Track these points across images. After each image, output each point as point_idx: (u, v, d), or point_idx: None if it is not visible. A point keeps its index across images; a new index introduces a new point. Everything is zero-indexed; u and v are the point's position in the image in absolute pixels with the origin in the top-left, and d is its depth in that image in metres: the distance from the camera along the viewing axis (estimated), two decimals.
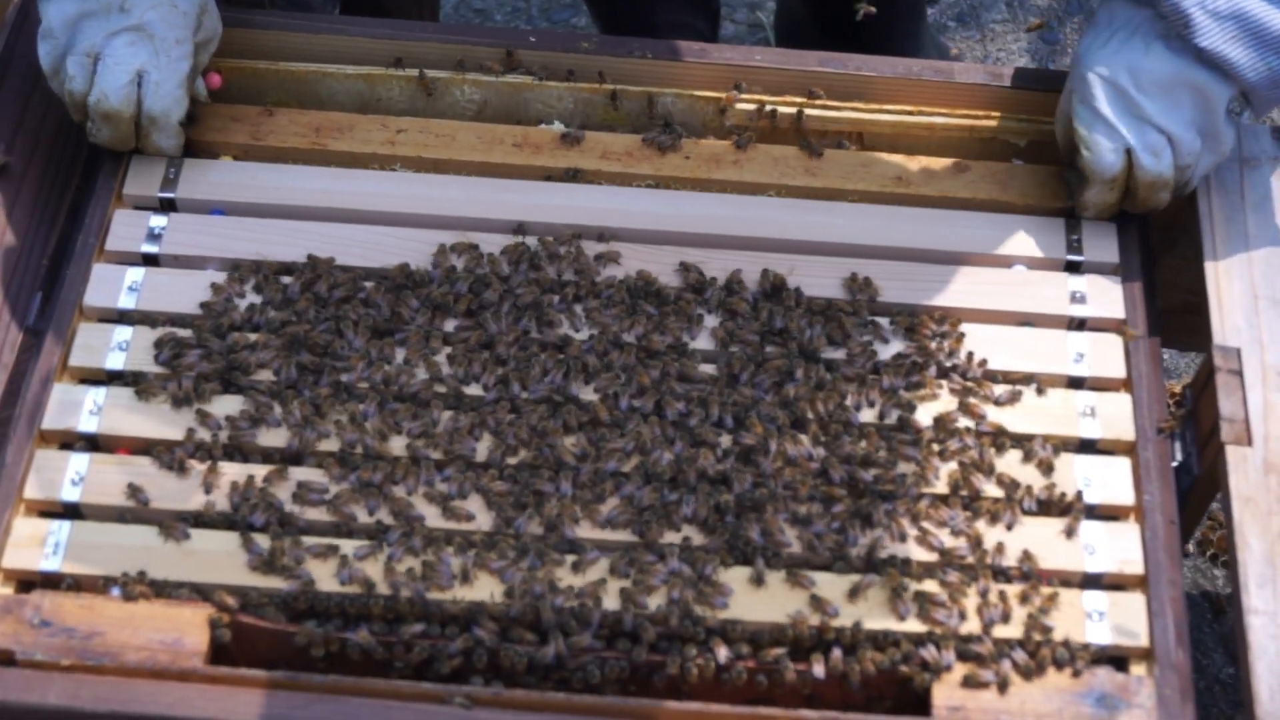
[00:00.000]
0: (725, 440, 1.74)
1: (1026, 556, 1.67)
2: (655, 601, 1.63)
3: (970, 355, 1.80)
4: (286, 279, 1.84)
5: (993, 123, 1.99)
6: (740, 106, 1.99)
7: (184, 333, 1.80)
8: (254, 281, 1.84)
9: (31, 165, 1.93)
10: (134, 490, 1.69)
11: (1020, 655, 1.61)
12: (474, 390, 1.77)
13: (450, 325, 1.81)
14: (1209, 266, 1.86)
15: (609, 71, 2.01)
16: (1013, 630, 1.63)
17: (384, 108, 2.03)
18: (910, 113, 1.99)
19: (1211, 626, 2.20)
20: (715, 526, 1.68)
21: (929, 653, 1.61)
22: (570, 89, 2.01)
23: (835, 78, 2.00)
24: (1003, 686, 1.59)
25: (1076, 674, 1.61)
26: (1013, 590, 1.65)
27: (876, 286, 1.85)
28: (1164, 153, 1.82)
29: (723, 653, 1.60)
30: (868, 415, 1.77)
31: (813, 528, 1.68)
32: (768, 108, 1.99)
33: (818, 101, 1.99)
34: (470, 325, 1.82)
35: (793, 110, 1.98)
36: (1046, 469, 1.73)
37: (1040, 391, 1.79)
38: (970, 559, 1.68)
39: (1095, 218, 1.90)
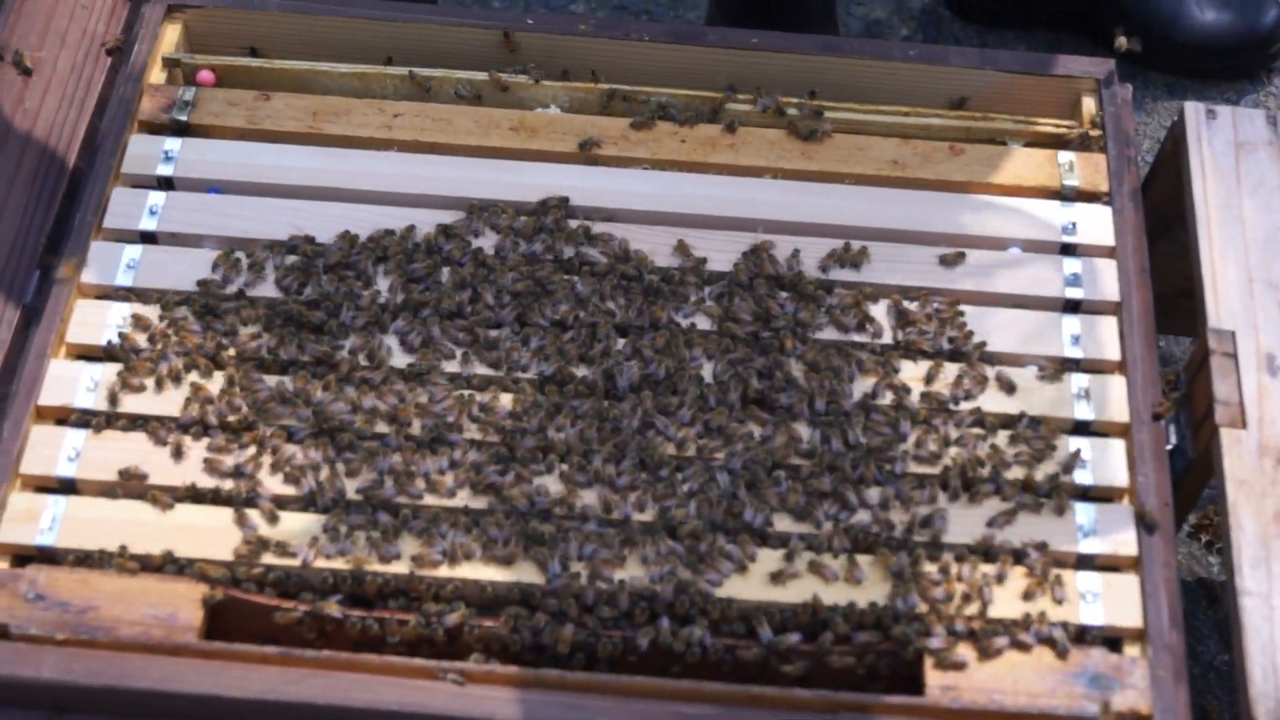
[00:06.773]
0: (721, 418, 1.74)
1: (1020, 537, 1.68)
2: (648, 578, 1.64)
3: (967, 335, 1.81)
4: (285, 257, 1.84)
5: (989, 123, 1.99)
6: (735, 107, 1.98)
7: (180, 310, 1.80)
8: (249, 260, 1.84)
9: (30, 143, 1.93)
10: (129, 467, 1.69)
11: (1014, 635, 1.61)
12: (470, 369, 1.77)
13: (443, 303, 1.81)
14: (1204, 250, 1.86)
15: (604, 63, 2.01)
16: (1006, 610, 1.63)
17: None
18: (906, 113, 1.99)
19: (1206, 613, 2.20)
20: (710, 505, 1.68)
21: (921, 632, 1.61)
22: (566, 88, 2.00)
23: (833, 64, 2.01)
24: (996, 666, 1.60)
25: (1070, 654, 1.61)
26: (1006, 570, 1.65)
27: (864, 259, 1.86)
28: None
29: (704, 632, 1.61)
30: (861, 395, 1.77)
31: (806, 506, 1.68)
32: (763, 107, 1.98)
33: (813, 102, 1.99)
34: (463, 303, 1.82)
35: (787, 110, 1.98)
36: (1040, 450, 1.73)
37: (1035, 373, 1.79)
38: (964, 539, 1.68)
39: None
